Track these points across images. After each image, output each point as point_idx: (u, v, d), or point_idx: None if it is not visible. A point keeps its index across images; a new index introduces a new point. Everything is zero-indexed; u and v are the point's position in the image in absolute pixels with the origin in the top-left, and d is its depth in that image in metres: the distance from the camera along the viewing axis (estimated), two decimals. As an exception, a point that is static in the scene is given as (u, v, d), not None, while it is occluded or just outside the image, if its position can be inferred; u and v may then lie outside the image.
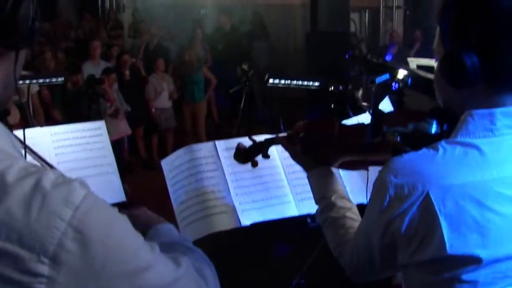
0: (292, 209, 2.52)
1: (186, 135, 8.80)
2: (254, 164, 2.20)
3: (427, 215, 1.28)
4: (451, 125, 1.39)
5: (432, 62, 5.50)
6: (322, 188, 1.81)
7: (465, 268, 1.28)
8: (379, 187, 1.37)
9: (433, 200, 1.27)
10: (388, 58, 9.12)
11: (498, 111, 1.33)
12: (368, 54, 8.30)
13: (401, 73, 3.17)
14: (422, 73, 4.88)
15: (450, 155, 1.30)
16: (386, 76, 3.47)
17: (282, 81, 4.38)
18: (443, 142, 1.33)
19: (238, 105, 5.25)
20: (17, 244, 0.89)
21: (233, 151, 2.36)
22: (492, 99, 1.34)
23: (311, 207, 2.41)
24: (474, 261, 1.28)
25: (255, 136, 2.34)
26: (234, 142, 2.56)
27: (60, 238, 0.91)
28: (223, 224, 2.43)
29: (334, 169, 1.87)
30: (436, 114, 1.47)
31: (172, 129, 8.75)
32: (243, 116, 5.29)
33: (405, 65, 5.85)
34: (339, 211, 1.74)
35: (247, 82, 5.15)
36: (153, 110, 8.46)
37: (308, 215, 2.53)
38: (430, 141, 1.36)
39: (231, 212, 2.44)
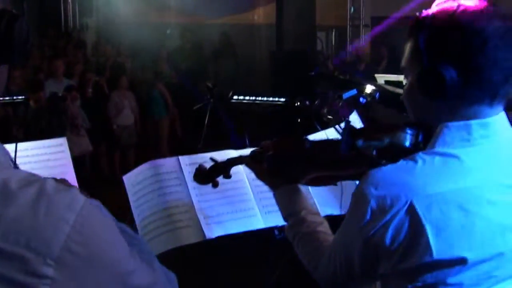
0: (258, 222, 2.51)
1: (149, 151, 8.78)
2: (215, 185, 2.19)
3: (412, 223, 1.31)
4: (425, 137, 1.44)
5: (401, 78, 5.57)
6: (291, 206, 1.81)
7: (450, 271, 1.33)
8: (358, 201, 1.40)
9: (417, 209, 1.31)
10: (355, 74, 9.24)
11: (474, 122, 1.38)
12: (335, 71, 8.39)
13: (369, 88, 3.21)
14: (391, 88, 4.95)
15: (429, 165, 1.35)
16: (353, 92, 3.52)
17: (247, 98, 4.39)
18: (420, 154, 1.38)
19: (203, 121, 5.25)
20: (25, 247, 0.94)
21: (195, 166, 2.33)
22: (467, 111, 1.39)
23: (277, 219, 2.39)
24: (460, 263, 1.32)
25: (220, 152, 2.36)
26: (197, 157, 2.57)
27: (65, 241, 0.96)
28: (187, 238, 2.40)
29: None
30: (411, 127, 1.50)
31: (133, 146, 8.79)
32: (208, 132, 5.29)
33: (373, 81, 5.93)
34: (310, 226, 1.74)
35: (211, 99, 5.16)
36: (114, 127, 8.48)
37: (275, 227, 2.50)
38: (406, 153, 1.41)
39: (195, 226, 2.41)
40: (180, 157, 2.59)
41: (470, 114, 1.39)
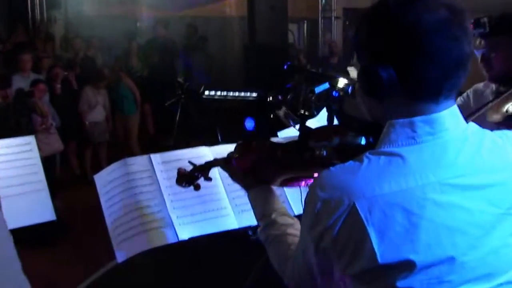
0: (231, 222, 2.52)
1: (121, 149, 8.70)
2: (197, 188, 2.23)
3: (355, 227, 1.28)
4: (377, 136, 1.41)
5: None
6: (262, 207, 1.84)
7: (399, 275, 1.29)
8: (308, 202, 1.38)
9: (359, 212, 1.28)
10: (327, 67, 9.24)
11: (418, 119, 1.35)
12: (308, 64, 8.39)
13: (341, 82, 3.20)
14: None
15: (374, 165, 1.32)
16: (325, 86, 3.50)
17: (218, 93, 4.37)
18: (367, 153, 1.35)
19: (175, 117, 5.22)
20: None
21: (169, 164, 2.41)
22: (411, 108, 1.36)
23: (251, 219, 2.39)
24: (407, 267, 1.28)
25: (192, 149, 2.41)
26: (170, 155, 2.60)
27: None
28: (160, 239, 2.40)
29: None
30: (361, 127, 1.51)
31: (105, 143, 8.67)
32: (180, 128, 5.26)
33: (346, 75, 5.93)
34: (279, 228, 1.76)
35: (183, 95, 5.12)
36: (86, 123, 8.35)
37: (249, 227, 2.52)
38: (358, 153, 1.38)
39: (168, 227, 2.42)
40: (152, 155, 2.59)
41: (415, 111, 1.35)
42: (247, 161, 1.91)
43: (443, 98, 1.36)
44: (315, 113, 3.55)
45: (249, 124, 6.47)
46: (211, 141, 3.19)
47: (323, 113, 3.31)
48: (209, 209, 2.53)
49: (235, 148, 1.99)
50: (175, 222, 2.43)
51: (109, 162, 2.58)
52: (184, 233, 2.42)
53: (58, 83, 8.10)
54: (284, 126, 3.34)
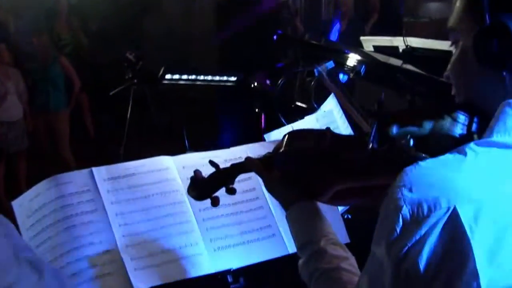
0: (204, 264, 2.52)
1: (46, 161, 8.62)
2: (216, 202, 2.22)
3: (455, 240, 1.27)
4: (481, 124, 1.45)
5: (397, 42, 5.60)
6: (308, 230, 1.85)
7: None
8: (387, 209, 1.37)
9: (462, 220, 1.27)
10: (333, 37, 9.23)
11: None
12: (306, 33, 8.35)
13: (352, 59, 3.21)
14: (382, 57, 4.94)
15: (483, 159, 1.34)
16: (330, 65, 3.52)
17: (185, 77, 4.35)
18: (472, 144, 1.36)
19: (124, 112, 5.19)
20: None
21: (119, 182, 2.40)
22: None
23: (231, 259, 2.46)
24: None
25: (151, 158, 2.40)
26: (120, 168, 2.60)
27: None
28: (108, 289, 2.39)
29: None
30: (462, 110, 1.52)
31: (24, 152, 8.38)
32: (132, 129, 5.24)
33: (358, 47, 5.92)
34: (332, 261, 1.77)
35: (135, 79, 5.08)
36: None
37: (228, 271, 2.52)
38: (454, 145, 1.40)
39: (119, 273, 2.41)
40: (95, 169, 2.59)
41: None
42: (299, 162, 1.90)
43: None
44: (316, 105, 3.57)
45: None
46: (176, 148, 3.19)
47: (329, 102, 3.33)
48: (174, 245, 2.53)
49: (282, 141, 1.96)
50: (128, 266, 2.43)
51: (29, 181, 2.60)
52: (141, 282, 2.41)
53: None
54: (278, 123, 3.33)
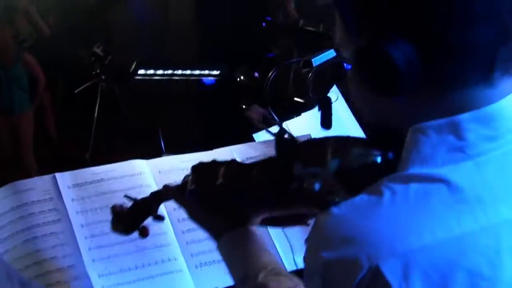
0: (185, 282, 2.50)
1: (6, 166, 8.62)
2: (144, 233, 2.22)
3: None
4: (398, 149, 1.38)
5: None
6: (243, 263, 1.82)
7: None
8: (307, 270, 1.32)
9: (387, 278, 1.19)
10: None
11: (465, 117, 1.30)
12: (301, 19, 8.35)
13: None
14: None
15: (402, 200, 1.26)
16: (330, 54, 3.48)
17: (160, 72, 4.37)
18: (386, 181, 1.29)
19: (91, 112, 5.20)
20: None
21: (85, 189, 2.45)
22: (453, 99, 1.32)
23: (214, 278, 2.42)
24: None
25: (123, 163, 2.44)
26: (87, 173, 2.63)
27: None
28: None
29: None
30: (374, 135, 1.51)
31: None
32: (100, 131, 5.24)
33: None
34: None
35: (103, 75, 5.10)
36: None
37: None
38: (373, 178, 1.33)
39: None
40: (58, 175, 2.59)
41: (457, 103, 1.31)
42: (210, 193, 1.90)
43: (500, 74, 1.31)
44: (314, 100, 3.53)
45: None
46: (151, 151, 3.19)
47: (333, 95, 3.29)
48: (149, 261, 2.51)
49: (191, 174, 1.97)
50: (95, 283, 2.42)
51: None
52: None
53: None
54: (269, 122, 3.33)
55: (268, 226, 1.97)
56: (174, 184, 2.08)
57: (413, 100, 1.33)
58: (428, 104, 1.33)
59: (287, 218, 1.84)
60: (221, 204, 1.89)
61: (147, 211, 2.21)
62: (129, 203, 2.21)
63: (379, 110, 1.43)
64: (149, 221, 2.22)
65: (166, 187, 2.14)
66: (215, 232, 1.91)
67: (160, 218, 2.23)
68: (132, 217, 2.21)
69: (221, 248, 1.88)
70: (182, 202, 2.04)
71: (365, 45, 1.31)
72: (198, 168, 1.97)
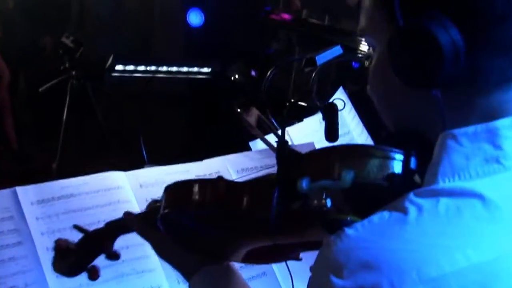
0: None
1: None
2: (94, 275, 2.13)
3: None
4: (422, 160, 1.39)
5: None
6: None
7: None
8: None
9: None
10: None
11: (503, 123, 1.32)
12: (304, 9, 8.34)
13: (366, 43, 3.18)
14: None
15: (430, 217, 1.25)
16: (336, 51, 3.42)
17: (141, 68, 4.32)
18: (412, 196, 1.28)
19: (59, 115, 5.13)
20: None
21: (53, 205, 2.47)
22: (491, 102, 1.34)
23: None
24: None
25: (95, 175, 2.42)
26: (55, 187, 2.58)
27: None
28: None
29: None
30: (395, 144, 1.45)
31: None
32: (69, 136, 5.18)
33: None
34: None
35: (74, 70, 5.04)
36: None
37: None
38: (387, 197, 1.32)
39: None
40: (19, 189, 2.55)
41: (496, 105, 1.34)
42: (187, 222, 1.83)
43: None
44: (318, 103, 3.50)
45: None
46: (131, 160, 3.13)
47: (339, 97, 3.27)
48: (129, 283, 2.51)
49: (163, 196, 1.85)
50: None
51: None
52: None
53: None
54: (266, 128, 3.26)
55: (251, 263, 1.95)
56: (136, 212, 2.02)
57: (449, 98, 1.33)
58: (464, 104, 1.35)
59: (276, 250, 1.80)
60: (200, 236, 1.86)
61: (100, 247, 2.13)
62: (79, 235, 2.12)
63: (407, 110, 1.45)
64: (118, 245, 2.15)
65: (127, 215, 2.06)
66: (186, 271, 1.90)
67: (115, 257, 2.12)
68: (80, 255, 2.12)
69: (194, 287, 1.87)
70: (147, 234, 1.99)
71: (406, 26, 1.32)
72: (172, 189, 1.85)
